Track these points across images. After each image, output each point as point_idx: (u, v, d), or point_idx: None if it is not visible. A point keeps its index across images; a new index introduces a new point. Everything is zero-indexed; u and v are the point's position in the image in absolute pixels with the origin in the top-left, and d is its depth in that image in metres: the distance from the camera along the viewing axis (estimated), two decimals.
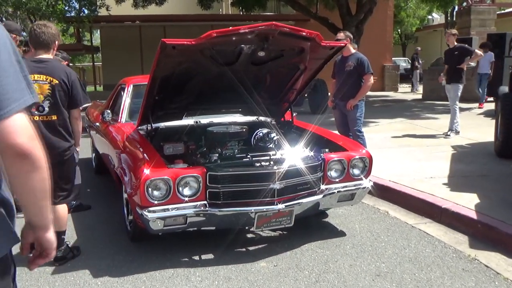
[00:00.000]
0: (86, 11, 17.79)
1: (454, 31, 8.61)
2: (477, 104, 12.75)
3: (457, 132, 8.29)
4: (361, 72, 5.83)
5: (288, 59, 4.09)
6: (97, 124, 5.75)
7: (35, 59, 3.47)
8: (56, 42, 3.56)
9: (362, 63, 5.82)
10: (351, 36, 6.07)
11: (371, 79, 5.85)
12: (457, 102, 8.21)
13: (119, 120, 4.95)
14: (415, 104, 14.42)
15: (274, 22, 3.45)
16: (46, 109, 3.43)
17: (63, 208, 3.65)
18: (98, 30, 24.49)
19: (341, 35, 5.97)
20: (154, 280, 3.32)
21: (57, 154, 3.44)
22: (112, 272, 3.46)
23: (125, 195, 4.18)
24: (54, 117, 3.47)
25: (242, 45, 3.70)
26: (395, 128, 9.45)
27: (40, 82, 3.40)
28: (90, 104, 4.30)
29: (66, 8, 17.76)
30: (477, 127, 8.93)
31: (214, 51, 3.67)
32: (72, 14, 17.82)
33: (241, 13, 20.08)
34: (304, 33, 3.68)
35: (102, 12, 17.75)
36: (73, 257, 3.74)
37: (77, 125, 3.69)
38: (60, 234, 3.57)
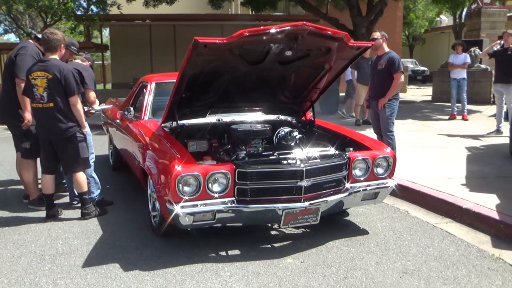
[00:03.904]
0: (95, 9, 17.96)
1: None
2: (487, 107, 12.67)
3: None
4: (392, 70, 5.81)
5: (314, 59, 4.14)
6: (118, 121, 5.81)
7: (42, 59, 4.47)
8: (62, 45, 4.47)
9: (393, 62, 5.81)
10: (386, 35, 6.04)
11: (401, 78, 5.82)
12: None
13: (142, 117, 5.01)
14: (425, 106, 14.43)
15: (304, 22, 3.50)
16: (46, 99, 4.32)
17: (80, 175, 4.55)
18: (108, 29, 24.60)
19: (376, 34, 6.00)
20: (184, 274, 3.38)
21: (57, 133, 4.37)
22: (141, 266, 3.52)
23: (149, 191, 4.25)
24: (51, 104, 4.32)
25: (271, 45, 3.75)
26: (407, 129, 9.47)
27: (41, 77, 4.31)
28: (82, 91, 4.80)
29: (74, 7, 17.90)
30: (490, 129, 8.92)
31: (243, 50, 3.72)
32: (79, 12, 17.94)
33: (251, 13, 20.10)
34: (332, 33, 3.73)
35: (113, 10, 17.84)
36: (96, 215, 4.63)
37: (75, 110, 4.42)
38: (82, 195, 4.58)
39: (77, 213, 4.75)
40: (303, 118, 5.03)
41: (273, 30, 3.47)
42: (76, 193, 5.02)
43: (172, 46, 20.58)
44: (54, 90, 4.29)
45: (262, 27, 3.50)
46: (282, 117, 5.03)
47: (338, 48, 3.98)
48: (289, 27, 3.49)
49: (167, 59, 19.87)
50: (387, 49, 6.00)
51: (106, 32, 28.90)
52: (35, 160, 5.07)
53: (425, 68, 28.40)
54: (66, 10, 16.09)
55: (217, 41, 3.44)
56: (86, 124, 4.87)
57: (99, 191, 5.01)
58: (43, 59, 4.41)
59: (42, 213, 4.71)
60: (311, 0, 15.75)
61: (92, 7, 18.80)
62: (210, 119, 4.71)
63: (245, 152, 3.96)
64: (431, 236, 4.06)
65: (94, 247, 3.92)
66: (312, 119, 4.90)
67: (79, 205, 4.97)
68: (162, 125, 4.49)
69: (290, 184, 3.61)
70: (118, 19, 19.29)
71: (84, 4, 19.01)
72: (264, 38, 3.56)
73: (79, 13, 18.50)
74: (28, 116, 4.67)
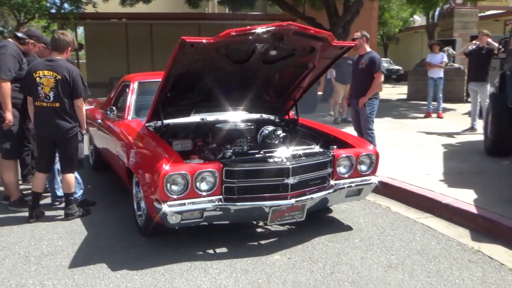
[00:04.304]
0: (67, 7, 17.69)
1: (487, 31, 8.83)
2: (461, 105, 12.98)
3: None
4: (372, 70, 5.95)
5: (298, 58, 4.19)
6: (99, 121, 5.77)
7: (48, 58, 4.52)
8: (69, 47, 4.53)
9: (374, 61, 5.95)
10: (367, 35, 6.18)
11: (382, 77, 6.00)
12: (487, 100, 7.95)
13: (125, 117, 4.98)
14: (400, 104, 14.67)
15: (289, 22, 3.56)
16: (51, 98, 4.35)
17: (71, 175, 4.56)
18: (81, 27, 24.21)
19: (357, 34, 6.14)
20: (172, 272, 3.39)
21: (61, 132, 4.41)
22: (129, 265, 3.52)
23: (134, 191, 4.24)
24: (57, 104, 4.38)
25: (256, 44, 3.78)
26: (385, 127, 9.62)
27: (48, 76, 4.34)
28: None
29: (48, 4, 17.60)
30: (464, 126, 9.15)
31: (229, 49, 3.75)
32: (53, 10, 17.65)
33: (228, 12, 20.13)
34: (317, 33, 3.79)
35: (88, 9, 17.61)
36: (80, 216, 4.60)
37: (79, 112, 4.52)
38: (68, 195, 4.57)
39: (59, 214, 4.70)
40: (286, 116, 5.09)
41: (259, 30, 3.50)
42: (57, 194, 4.99)
43: (149, 45, 20.43)
44: (62, 91, 4.34)
45: (248, 26, 3.54)
46: (265, 116, 5.08)
47: (322, 48, 4.04)
48: (275, 27, 3.54)
49: (144, 58, 19.71)
50: (368, 49, 6.14)
51: (79, 30, 28.46)
52: (16, 160, 5.01)
53: (400, 67, 28.84)
54: (40, 8, 15.79)
55: (204, 40, 3.46)
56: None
57: (82, 191, 4.96)
58: (51, 59, 4.43)
59: (24, 215, 4.66)
60: (288, 0, 15.85)
61: (66, 5, 18.51)
62: (194, 118, 4.72)
63: (231, 150, 3.99)
64: (412, 231, 4.17)
65: (79, 248, 3.89)
66: (295, 117, 4.96)
67: (61, 206, 4.93)
68: (146, 124, 4.49)
69: (276, 182, 3.67)
70: (93, 17, 19.02)
71: (58, 3, 18.73)
72: (250, 37, 3.59)
73: (53, 11, 18.20)
74: (9, 116, 4.61)
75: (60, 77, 4.32)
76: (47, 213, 4.74)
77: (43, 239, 4.10)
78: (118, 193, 5.37)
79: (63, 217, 4.57)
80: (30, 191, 5.34)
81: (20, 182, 5.38)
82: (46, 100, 4.34)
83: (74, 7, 17.61)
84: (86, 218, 4.62)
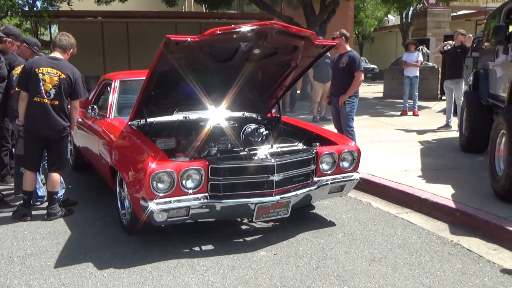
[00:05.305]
0: (39, 5, 17.36)
1: (463, 31, 9.07)
2: (435, 103, 13.26)
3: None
4: (352, 69, 6.03)
5: (281, 57, 4.25)
6: (79, 119, 5.70)
7: (51, 56, 4.53)
8: (71, 50, 4.61)
9: (354, 60, 6.03)
10: (347, 34, 6.23)
11: (362, 76, 6.09)
12: (462, 98, 8.11)
13: (108, 116, 4.95)
14: (377, 102, 14.89)
15: (274, 21, 3.60)
16: (52, 95, 4.37)
17: (56, 174, 4.57)
18: (55, 26, 23.78)
19: (336, 33, 6.21)
20: (159, 270, 3.41)
21: (56, 130, 4.44)
22: (115, 264, 3.52)
23: (118, 189, 4.23)
24: (56, 102, 4.42)
25: (240, 43, 3.82)
26: (363, 125, 9.76)
27: (51, 74, 4.37)
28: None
29: (20, 2, 17.24)
30: (439, 124, 9.36)
31: (213, 48, 3.78)
32: (26, 8, 17.30)
33: (205, 11, 20.09)
34: (300, 32, 3.85)
35: (63, 6, 17.32)
36: (62, 215, 4.57)
37: (75, 113, 4.61)
38: (52, 194, 4.56)
39: (40, 214, 4.65)
40: (269, 114, 5.13)
41: (243, 29, 3.54)
42: (38, 194, 4.93)
43: (125, 43, 20.20)
44: (63, 90, 4.40)
45: (233, 25, 3.58)
46: (247, 114, 5.12)
47: (304, 46, 4.10)
48: (258, 26, 3.58)
49: (120, 57, 19.48)
50: (348, 48, 6.22)
51: (53, 28, 27.96)
52: None
53: (375, 66, 29.23)
54: (13, 5, 15.45)
55: (189, 39, 3.47)
56: None
57: (63, 190, 4.92)
58: (54, 57, 4.46)
59: (3, 215, 4.60)
60: None
61: (37, 2, 18.16)
62: (177, 116, 4.73)
63: (216, 148, 4.02)
64: (393, 226, 4.28)
65: (64, 247, 3.87)
66: (278, 115, 5.01)
67: (42, 206, 4.88)
68: (130, 123, 4.48)
69: (261, 179, 3.72)
70: (68, 15, 18.71)
71: (30, 1, 18.34)
72: (235, 36, 3.62)
73: (26, 9, 17.83)
74: None
75: (64, 76, 4.39)
76: None
77: (26, 239, 4.05)
78: (100, 192, 5.34)
79: (45, 216, 4.52)
80: (10, 192, 5.30)
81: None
82: (46, 96, 4.34)
83: (48, 5, 17.27)
84: (69, 217, 4.58)
